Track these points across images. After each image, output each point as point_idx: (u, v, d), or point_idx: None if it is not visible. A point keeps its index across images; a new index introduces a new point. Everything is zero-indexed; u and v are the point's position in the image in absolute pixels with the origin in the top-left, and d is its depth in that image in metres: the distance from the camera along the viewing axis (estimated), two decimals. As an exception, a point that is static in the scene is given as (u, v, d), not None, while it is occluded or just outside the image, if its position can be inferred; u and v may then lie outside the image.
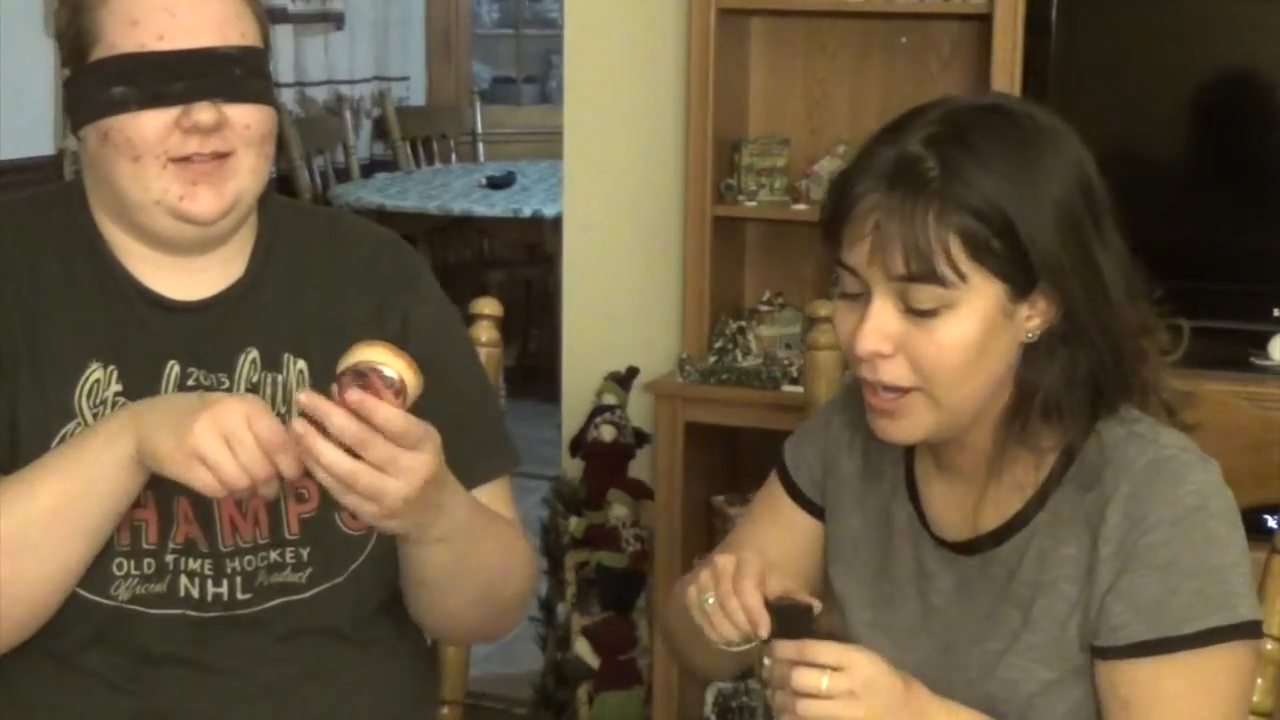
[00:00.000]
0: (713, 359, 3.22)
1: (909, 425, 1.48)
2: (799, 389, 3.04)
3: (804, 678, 1.39)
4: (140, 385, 1.60)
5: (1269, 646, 1.64)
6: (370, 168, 6.49)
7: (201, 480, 1.44)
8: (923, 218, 1.40)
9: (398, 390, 1.41)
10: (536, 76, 7.54)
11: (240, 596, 1.60)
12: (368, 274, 1.71)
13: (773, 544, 1.68)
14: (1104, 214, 1.47)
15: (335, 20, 6.41)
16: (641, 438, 3.29)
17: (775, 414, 3.10)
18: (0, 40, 4.41)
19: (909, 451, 1.60)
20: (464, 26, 7.20)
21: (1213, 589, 1.44)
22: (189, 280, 1.64)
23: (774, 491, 1.72)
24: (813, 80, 3.36)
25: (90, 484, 1.50)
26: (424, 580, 1.61)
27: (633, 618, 3.28)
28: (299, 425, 1.40)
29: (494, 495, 1.70)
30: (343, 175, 6.28)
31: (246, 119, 1.59)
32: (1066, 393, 1.47)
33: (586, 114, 3.51)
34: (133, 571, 1.58)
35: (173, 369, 1.62)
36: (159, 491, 1.56)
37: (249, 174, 1.60)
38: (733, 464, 3.45)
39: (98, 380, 1.60)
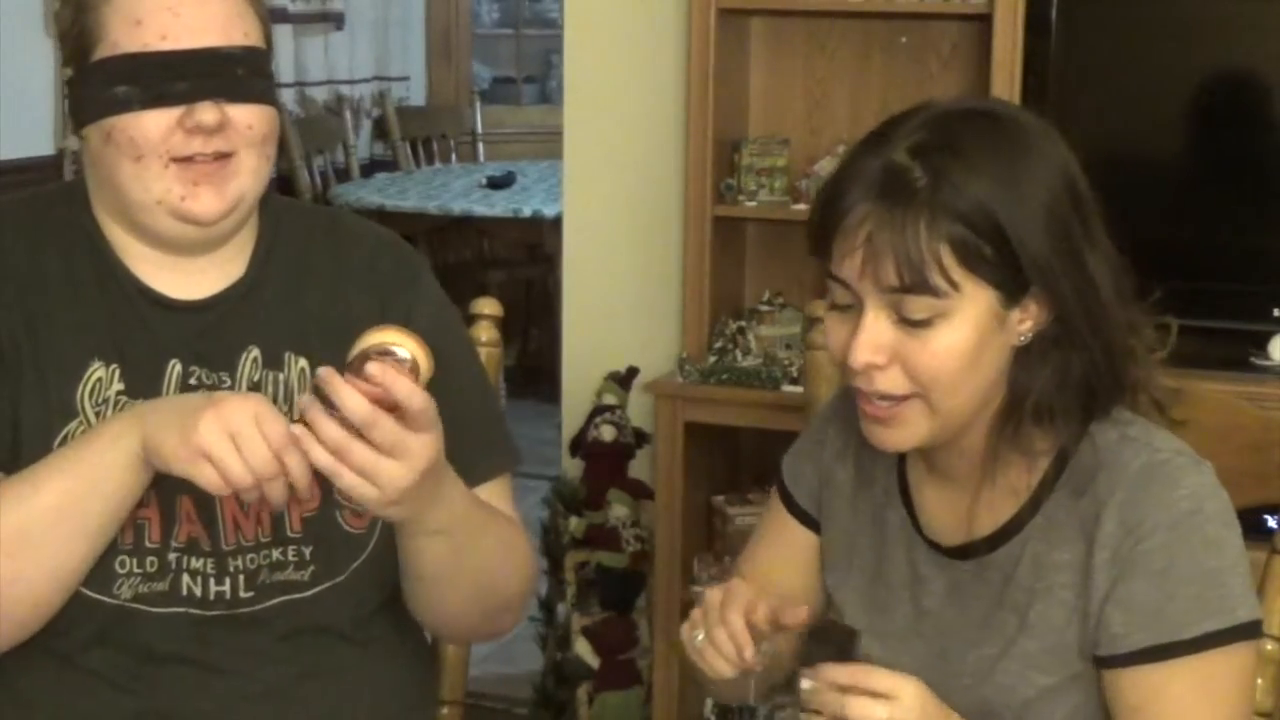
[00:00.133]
0: (713, 359, 3.22)
1: (905, 433, 1.48)
2: (799, 389, 3.04)
3: (861, 707, 1.39)
4: (142, 384, 1.60)
5: (1269, 646, 1.64)
6: (370, 168, 6.49)
7: (206, 478, 1.43)
8: (914, 228, 1.39)
9: (412, 368, 1.41)
10: (536, 76, 7.54)
11: (243, 595, 1.61)
12: (368, 274, 1.71)
13: (779, 561, 1.69)
14: (1091, 214, 1.47)
15: (335, 20, 6.41)
16: (641, 438, 3.30)
17: (775, 414, 3.10)
18: (0, 40, 4.41)
19: (900, 456, 1.60)
20: (464, 26, 7.20)
21: (1212, 592, 1.44)
22: (190, 279, 1.64)
23: (775, 508, 1.72)
24: (813, 80, 3.36)
25: (94, 483, 1.50)
26: (423, 575, 1.61)
27: (633, 618, 3.28)
28: (304, 399, 1.40)
29: (495, 494, 1.70)
30: (343, 175, 6.28)
31: (249, 119, 1.59)
32: (1059, 395, 1.47)
33: (586, 114, 3.51)
34: (135, 570, 1.58)
35: (174, 368, 1.62)
36: (162, 490, 1.56)
37: (250, 174, 1.60)
38: (733, 464, 3.45)
39: (100, 379, 1.60)
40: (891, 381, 1.45)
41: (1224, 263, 2.93)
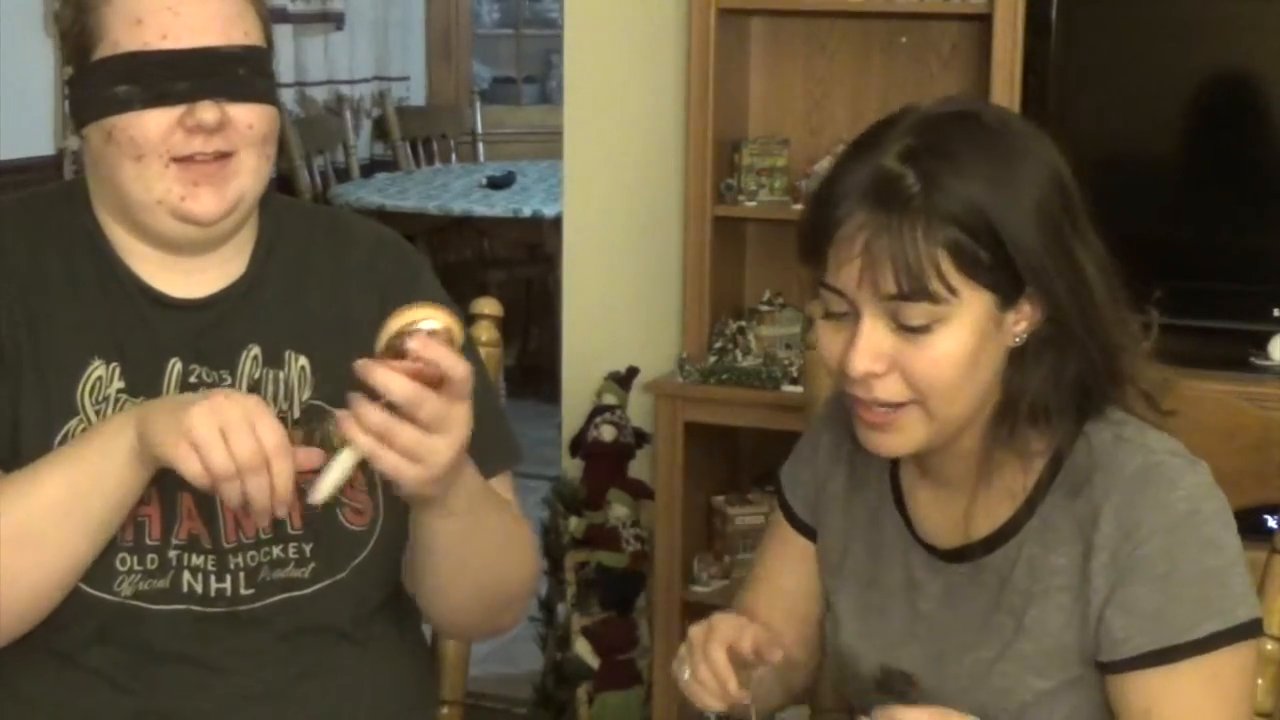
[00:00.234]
0: (713, 359, 3.23)
1: (902, 438, 1.47)
2: (799, 389, 3.04)
3: None
4: (142, 382, 1.60)
5: (1269, 646, 1.64)
6: (370, 168, 6.49)
7: (188, 463, 1.42)
8: (911, 235, 1.39)
9: (447, 338, 1.40)
10: (536, 76, 7.54)
11: (243, 592, 1.61)
12: (369, 273, 1.71)
13: (784, 573, 1.70)
14: (1079, 212, 1.47)
15: (335, 20, 6.42)
16: (641, 438, 3.30)
17: (775, 414, 3.10)
18: (0, 40, 4.41)
19: (894, 460, 1.59)
20: (464, 26, 7.21)
21: (1213, 593, 1.44)
22: (191, 278, 1.65)
23: (777, 520, 1.72)
24: (813, 80, 3.37)
25: (95, 478, 1.50)
26: (435, 561, 1.60)
27: (633, 618, 3.28)
28: (352, 397, 1.39)
29: (498, 490, 1.70)
30: (343, 175, 6.29)
31: (249, 119, 1.59)
32: (1054, 394, 1.47)
33: (586, 114, 3.51)
34: (135, 567, 1.58)
35: (175, 366, 1.62)
36: (163, 488, 1.56)
37: (251, 174, 1.60)
38: (733, 464, 3.45)
39: (100, 377, 1.60)
40: (891, 390, 1.44)
41: (1224, 263, 2.93)
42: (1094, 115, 3.00)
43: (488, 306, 1.96)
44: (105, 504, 1.51)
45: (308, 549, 1.63)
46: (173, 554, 1.59)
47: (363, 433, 1.39)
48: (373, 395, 1.38)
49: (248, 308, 1.66)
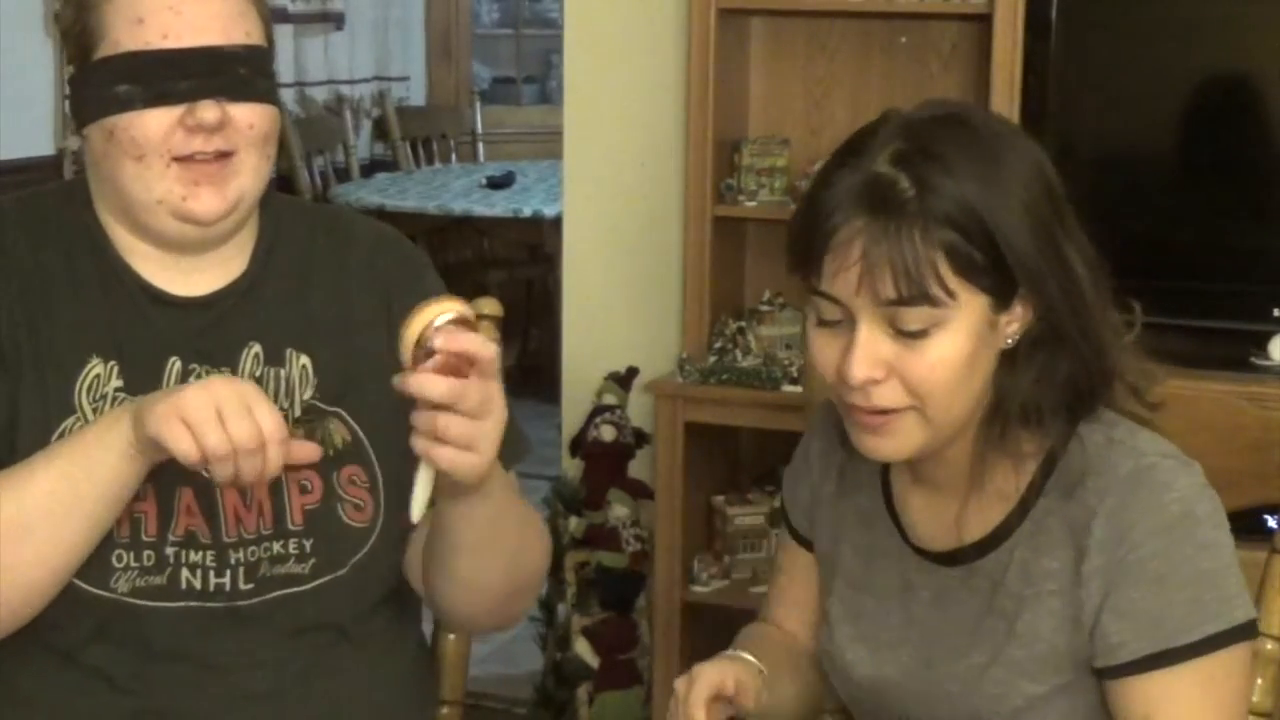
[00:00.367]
0: (713, 359, 3.23)
1: (898, 443, 1.47)
2: (799, 389, 3.05)
3: None
4: (141, 380, 1.60)
5: (1269, 646, 1.64)
6: (370, 168, 6.50)
7: (180, 441, 1.43)
8: (909, 239, 1.38)
9: (466, 323, 1.41)
10: (536, 76, 7.54)
11: (243, 587, 1.61)
12: (370, 271, 1.72)
13: (796, 585, 1.71)
14: (1067, 211, 1.46)
15: (335, 20, 6.42)
16: (641, 438, 3.30)
17: (775, 414, 3.10)
18: (0, 40, 4.41)
19: (884, 465, 1.59)
20: (464, 26, 7.21)
21: (1208, 595, 1.43)
22: (191, 277, 1.65)
23: (784, 535, 1.73)
24: (813, 80, 3.36)
25: (89, 470, 1.50)
26: (463, 544, 1.60)
27: (633, 618, 3.28)
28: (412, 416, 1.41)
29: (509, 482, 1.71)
30: (343, 175, 6.29)
31: (250, 118, 1.59)
32: (1046, 394, 1.46)
33: (586, 114, 3.51)
34: (132, 564, 1.58)
35: (174, 364, 1.62)
36: (159, 484, 1.57)
37: (251, 174, 1.60)
38: (733, 464, 3.45)
39: (98, 375, 1.60)
40: (890, 396, 1.44)
41: (1223, 263, 2.93)
42: (1094, 115, 3.00)
43: (488, 306, 1.96)
44: (99, 494, 1.51)
45: (308, 544, 1.63)
46: (170, 550, 1.59)
47: (421, 438, 1.41)
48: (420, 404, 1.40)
49: (248, 306, 1.66)
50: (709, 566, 3.27)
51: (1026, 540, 1.49)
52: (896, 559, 1.58)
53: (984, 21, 3.05)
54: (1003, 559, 1.50)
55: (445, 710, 1.91)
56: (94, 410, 1.59)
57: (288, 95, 6.09)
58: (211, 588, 1.60)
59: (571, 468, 3.38)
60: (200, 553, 1.60)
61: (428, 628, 1.87)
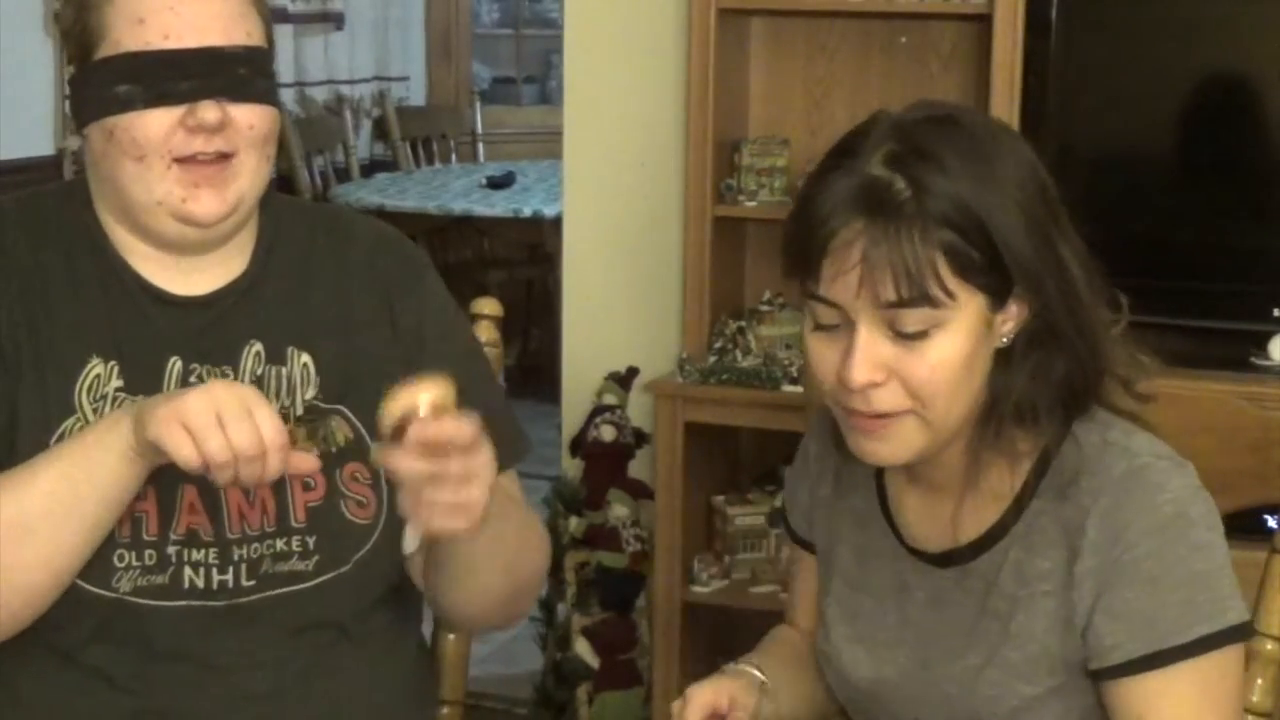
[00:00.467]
0: (713, 359, 3.22)
1: (897, 447, 1.46)
2: (799, 389, 3.05)
3: None
4: (141, 380, 1.60)
5: (1269, 646, 1.64)
6: (370, 168, 6.50)
7: (180, 446, 1.43)
8: (908, 240, 1.38)
9: (440, 408, 1.41)
10: (536, 76, 7.54)
11: (245, 584, 1.61)
12: (370, 270, 1.72)
13: (806, 589, 1.71)
14: (1060, 209, 1.46)
15: (335, 20, 6.42)
16: (641, 438, 3.30)
17: (775, 414, 3.10)
18: (0, 40, 4.41)
19: (879, 466, 1.59)
20: (464, 26, 7.21)
21: (1202, 596, 1.43)
22: (191, 277, 1.65)
23: (791, 542, 1.73)
24: (813, 80, 3.36)
25: (89, 472, 1.50)
26: (464, 550, 1.60)
27: (633, 618, 3.28)
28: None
29: (506, 485, 1.70)
30: (343, 175, 6.29)
31: (250, 119, 1.59)
32: (1041, 393, 1.46)
33: (586, 114, 3.51)
34: (134, 563, 1.58)
35: (175, 364, 1.62)
36: (160, 484, 1.57)
37: (251, 175, 1.60)
38: (733, 464, 3.45)
39: (98, 375, 1.60)
40: (890, 400, 1.43)
41: (1223, 262, 2.93)
42: (1094, 115, 3.00)
43: (488, 306, 1.96)
44: (99, 495, 1.51)
45: (311, 542, 1.63)
46: (171, 550, 1.59)
47: (408, 500, 1.43)
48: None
49: (249, 305, 1.66)
50: (709, 566, 3.27)
51: (1020, 540, 1.49)
52: (891, 560, 1.58)
53: (984, 22, 3.05)
54: (997, 559, 1.50)
55: (445, 710, 1.91)
56: (94, 410, 1.59)
57: (288, 95, 6.09)
58: (214, 585, 1.60)
59: (571, 468, 3.38)
60: (203, 550, 1.60)
61: (428, 628, 1.88)
